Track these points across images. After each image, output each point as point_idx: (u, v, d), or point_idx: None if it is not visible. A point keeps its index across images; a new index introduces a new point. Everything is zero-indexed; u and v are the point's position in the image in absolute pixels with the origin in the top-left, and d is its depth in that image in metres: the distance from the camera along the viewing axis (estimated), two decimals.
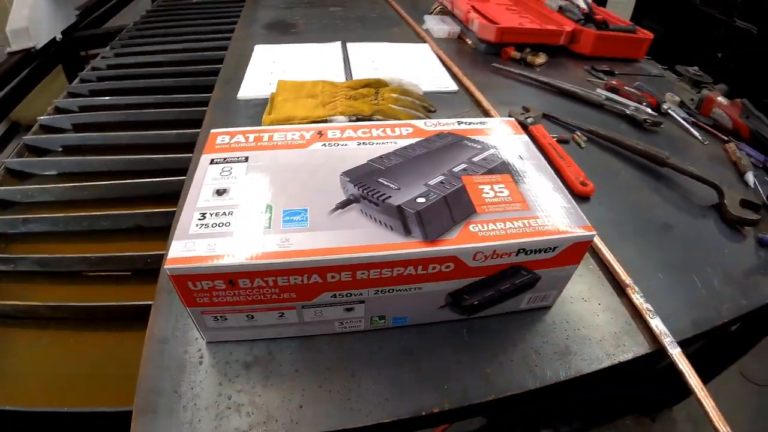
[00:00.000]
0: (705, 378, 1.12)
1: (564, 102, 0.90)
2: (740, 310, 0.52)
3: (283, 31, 1.16)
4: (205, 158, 0.45)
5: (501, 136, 0.51)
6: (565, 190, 0.44)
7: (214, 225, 0.37)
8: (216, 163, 0.44)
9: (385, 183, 0.41)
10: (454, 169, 0.44)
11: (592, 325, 0.48)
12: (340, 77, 0.89)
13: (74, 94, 0.96)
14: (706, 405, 0.43)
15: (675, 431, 1.19)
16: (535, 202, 0.41)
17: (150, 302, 0.47)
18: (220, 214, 0.38)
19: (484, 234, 0.37)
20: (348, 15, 1.29)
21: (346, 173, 0.42)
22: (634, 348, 0.46)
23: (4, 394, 0.47)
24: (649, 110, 0.87)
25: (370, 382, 0.40)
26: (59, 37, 1.36)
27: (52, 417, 0.45)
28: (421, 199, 0.39)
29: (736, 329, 1.02)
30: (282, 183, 0.41)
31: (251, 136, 0.48)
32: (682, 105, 0.92)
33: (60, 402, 0.46)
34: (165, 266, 0.34)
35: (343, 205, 0.39)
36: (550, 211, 0.40)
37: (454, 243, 0.36)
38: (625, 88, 0.93)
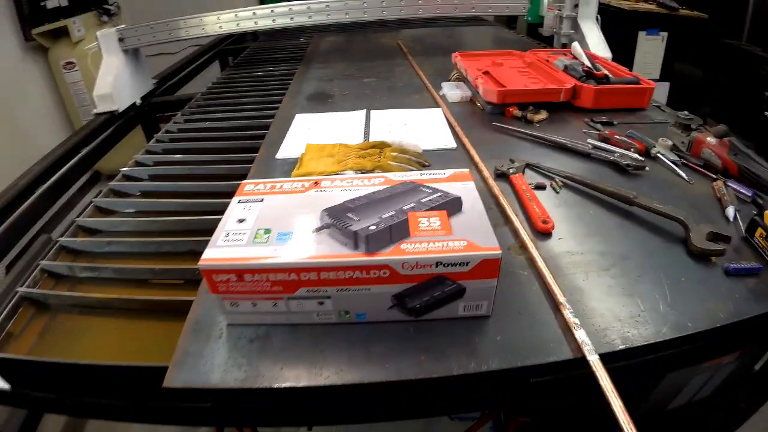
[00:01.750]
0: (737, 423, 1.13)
1: (554, 153, 1.06)
2: (681, 332, 0.60)
3: (321, 102, 1.44)
4: (235, 199, 0.68)
5: (454, 183, 0.69)
6: (488, 223, 0.60)
7: (233, 240, 0.59)
8: (241, 202, 0.67)
9: (351, 216, 0.61)
10: (404, 207, 0.63)
11: (524, 334, 0.60)
12: (359, 139, 1.12)
13: (150, 152, 1.27)
14: (615, 406, 0.53)
15: None
16: (460, 230, 0.58)
17: (193, 298, 0.69)
18: (239, 233, 0.60)
19: (410, 250, 0.55)
20: (379, 85, 1.55)
21: (326, 209, 0.63)
22: (556, 353, 0.58)
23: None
24: (635, 155, 0.98)
25: (333, 358, 0.58)
26: (138, 101, 1.72)
27: (115, 370, 0.63)
28: (372, 227, 0.58)
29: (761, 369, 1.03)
30: (281, 215, 0.63)
31: (268, 185, 0.70)
32: (674, 148, 1.03)
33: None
34: (198, 264, 0.56)
35: (318, 229, 0.59)
36: (469, 237, 0.57)
37: (386, 255, 0.55)
38: (616, 136, 1.06)
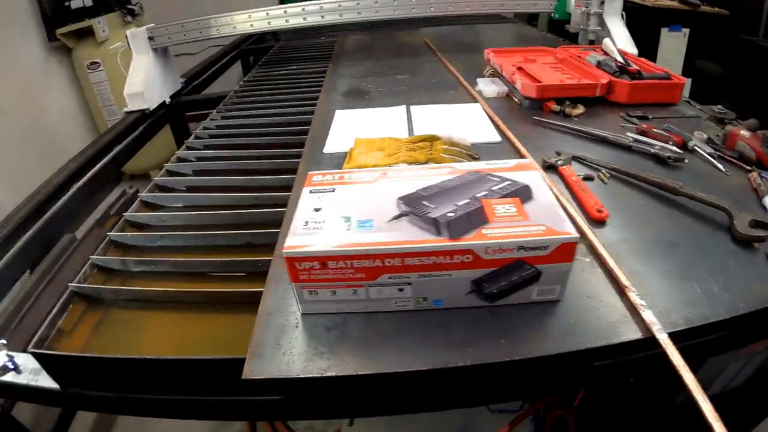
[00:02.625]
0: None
1: (596, 146, 1.06)
2: (736, 311, 0.62)
3: (357, 98, 1.44)
4: (305, 189, 0.68)
5: (519, 172, 0.69)
6: (560, 208, 0.61)
7: (313, 228, 0.59)
8: (313, 192, 0.67)
9: (427, 204, 0.61)
10: (477, 195, 0.63)
11: (593, 316, 0.62)
12: (404, 133, 1.13)
13: (191, 148, 1.27)
14: (688, 381, 0.55)
15: None
16: (535, 216, 0.59)
17: (261, 289, 0.69)
18: (318, 222, 0.60)
19: (492, 234, 0.56)
20: (413, 82, 1.55)
21: (400, 197, 0.63)
22: (627, 334, 0.59)
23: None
24: (674, 148, 0.99)
25: (415, 344, 0.58)
26: (168, 100, 1.72)
27: (183, 364, 0.63)
28: (451, 214, 0.59)
29: None
30: (357, 204, 0.63)
31: (336, 176, 0.71)
32: (709, 141, 1.04)
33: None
34: (282, 251, 0.56)
35: (397, 217, 0.60)
36: (545, 222, 0.58)
37: (470, 240, 0.55)
38: (654, 130, 1.07)
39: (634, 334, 0.59)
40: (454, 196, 0.63)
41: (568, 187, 0.89)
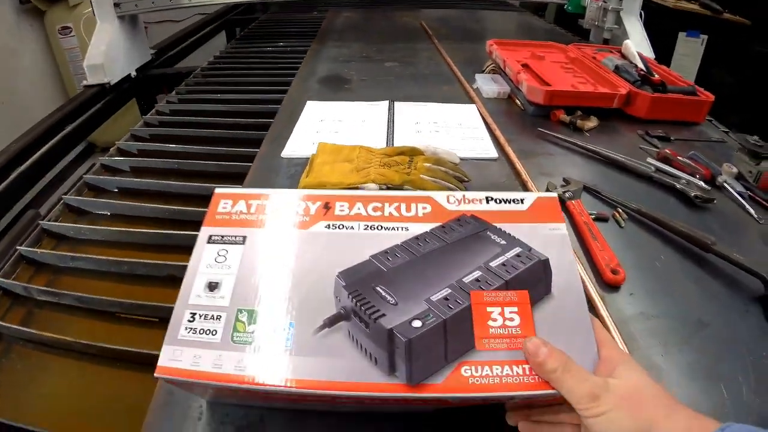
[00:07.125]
0: None
1: (610, 172, 0.83)
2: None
3: (336, 87, 1.18)
4: (204, 233, 0.42)
5: (536, 224, 0.43)
6: (587, 318, 0.37)
7: (201, 331, 0.35)
8: (213, 242, 0.42)
9: (383, 293, 0.37)
10: (464, 279, 0.39)
11: None
12: (381, 137, 0.89)
13: (137, 137, 1.02)
14: None
15: None
16: (546, 335, 0.35)
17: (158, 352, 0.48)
18: (209, 317, 0.36)
19: (475, 381, 0.32)
20: (402, 72, 1.28)
21: (343, 274, 0.38)
22: None
23: (32, 413, 0.52)
24: (701, 183, 0.78)
25: None
26: (134, 73, 1.46)
27: None
28: (417, 323, 0.35)
29: None
30: (273, 282, 0.39)
31: (254, 204, 0.44)
32: (739, 177, 0.81)
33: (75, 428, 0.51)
34: (155, 373, 0.34)
35: (331, 322, 0.36)
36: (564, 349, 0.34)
37: (439, 390, 0.32)
38: (679, 158, 0.83)
39: None
40: (428, 276, 0.39)
41: (578, 231, 0.66)
